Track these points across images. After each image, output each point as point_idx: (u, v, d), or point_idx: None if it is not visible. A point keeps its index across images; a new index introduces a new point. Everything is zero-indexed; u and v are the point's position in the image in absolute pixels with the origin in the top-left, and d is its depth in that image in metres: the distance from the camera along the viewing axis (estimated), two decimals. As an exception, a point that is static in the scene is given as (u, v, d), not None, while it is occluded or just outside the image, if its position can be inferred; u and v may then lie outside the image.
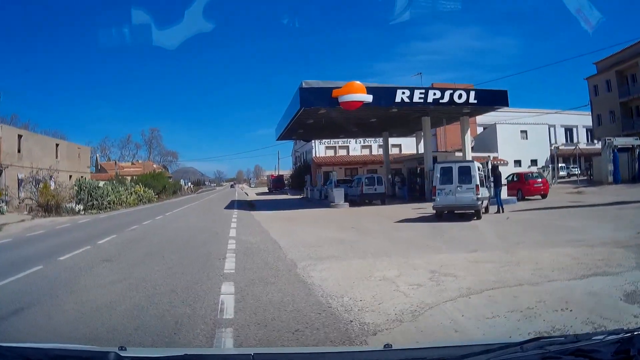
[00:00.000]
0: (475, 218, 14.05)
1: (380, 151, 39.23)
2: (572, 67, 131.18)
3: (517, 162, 38.64)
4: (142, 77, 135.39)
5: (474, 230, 11.87)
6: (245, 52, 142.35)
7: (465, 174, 14.13)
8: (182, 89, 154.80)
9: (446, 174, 14.39)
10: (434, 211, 14.60)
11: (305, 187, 39.93)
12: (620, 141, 30.51)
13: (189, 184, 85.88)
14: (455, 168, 14.44)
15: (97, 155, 77.24)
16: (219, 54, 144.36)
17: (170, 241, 11.65)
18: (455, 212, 14.47)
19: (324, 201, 27.00)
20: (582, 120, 48.72)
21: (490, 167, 17.28)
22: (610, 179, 28.69)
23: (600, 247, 7.89)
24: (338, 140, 45.75)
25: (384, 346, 1.73)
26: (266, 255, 8.80)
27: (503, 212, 15.49)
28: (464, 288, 5.45)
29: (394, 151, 40.50)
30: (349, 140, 46.21)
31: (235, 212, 21.83)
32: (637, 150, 29.87)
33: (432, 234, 11.13)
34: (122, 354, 1.56)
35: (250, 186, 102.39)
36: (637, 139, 30.61)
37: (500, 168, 18.84)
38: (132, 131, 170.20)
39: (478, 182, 13.98)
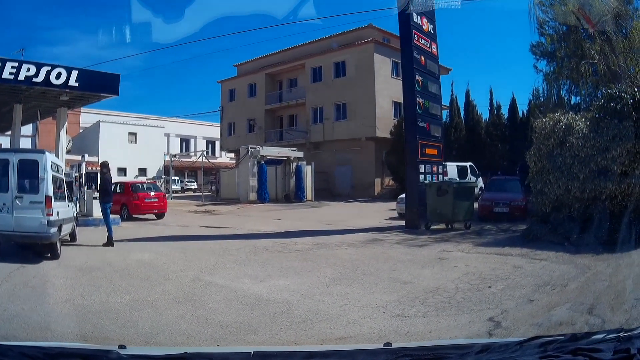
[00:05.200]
0: (50, 256, 7.84)
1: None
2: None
3: (122, 171, 32.45)
4: None
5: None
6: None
7: (29, 175, 7.93)
8: None
9: None
10: None
11: None
12: (271, 151, 25.29)
13: None
14: (13, 163, 7.84)
15: None
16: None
17: None
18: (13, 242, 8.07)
19: None
20: (202, 130, 44.94)
21: (86, 171, 11.48)
22: (253, 196, 23.64)
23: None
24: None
25: (384, 345, 1.72)
26: None
27: (112, 244, 9.35)
28: None
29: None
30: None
31: None
32: (294, 163, 25.32)
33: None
34: (123, 352, 1.54)
35: None
36: (294, 150, 26.16)
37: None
38: None
39: (50, 192, 7.83)
